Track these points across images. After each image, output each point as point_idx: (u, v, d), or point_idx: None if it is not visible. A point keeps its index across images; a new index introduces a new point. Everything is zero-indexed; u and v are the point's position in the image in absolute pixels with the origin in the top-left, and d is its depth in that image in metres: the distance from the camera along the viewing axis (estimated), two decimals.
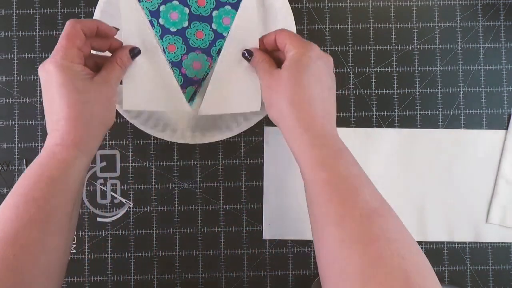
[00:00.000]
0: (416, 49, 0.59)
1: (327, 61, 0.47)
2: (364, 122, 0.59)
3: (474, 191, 0.58)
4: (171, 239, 0.58)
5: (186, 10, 0.56)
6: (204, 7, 0.56)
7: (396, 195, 0.58)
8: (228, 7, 0.56)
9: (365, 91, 0.59)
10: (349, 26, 0.59)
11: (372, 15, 0.59)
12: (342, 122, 0.58)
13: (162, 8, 0.56)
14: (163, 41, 0.56)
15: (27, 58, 0.58)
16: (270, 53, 0.51)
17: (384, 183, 0.58)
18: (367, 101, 0.59)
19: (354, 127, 0.58)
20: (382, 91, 0.59)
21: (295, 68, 0.45)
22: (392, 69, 0.59)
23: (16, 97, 0.58)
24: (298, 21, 0.59)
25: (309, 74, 0.45)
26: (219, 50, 0.57)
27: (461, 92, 0.59)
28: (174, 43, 0.56)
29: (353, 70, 0.59)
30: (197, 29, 0.56)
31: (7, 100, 0.58)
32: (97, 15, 0.55)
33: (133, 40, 0.56)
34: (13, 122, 0.58)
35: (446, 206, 0.58)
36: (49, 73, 0.43)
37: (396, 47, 0.59)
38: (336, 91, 0.58)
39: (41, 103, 0.58)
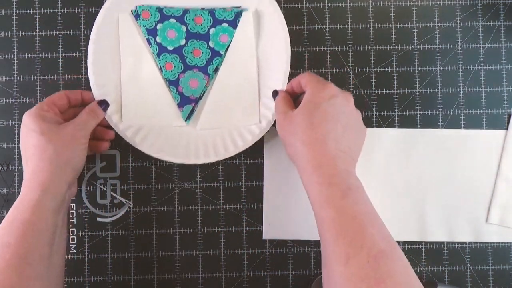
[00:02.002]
0: (416, 49, 0.59)
1: (344, 98, 0.48)
2: (364, 122, 0.58)
3: (474, 191, 0.58)
4: (171, 239, 0.58)
5: (183, 28, 0.56)
6: (201, 25, 0.56)
7: (396, 195, 0.58)
8: (225, 25, 0.56)
9: (365, 91, 0.59)
10: (349, 26, 0.59)
11: (372, 15, 0.59)
12: None
13: (159, 26, 0.56)
14: (160, 60, 0.56)
15: (27, 58, 0.58)
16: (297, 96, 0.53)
17: (384, 183, 0.58)
18: (367, 101, 0.59)
19: None
20: (382, 91, 0.59)
21: (307, 109, 0.47)
22: (392, 69, 0.59)
23: (16, 97, 0.58)
24: (298, 21, 0.59)
25: (320, 114, 0.46)
26: (216, 68, 0.57)
27: (461, 92, 0.59)
28: (171, 61, 0.56)
29: (353, 70, 0.59)
30: (194, 47, 0.56)
31: (7, 100, 0.58)
32: (94, 34, 0.55)
33: (130, 58, 0.56)
34: (13, 122, 0.58)
35: (446, 206, 0.58)
36: (22, 120, 0.49)
37: (396, 47, 0.59)
38: None
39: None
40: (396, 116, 0.59)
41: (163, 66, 0.56)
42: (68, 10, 0.59)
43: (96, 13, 0.55)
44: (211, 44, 0.57)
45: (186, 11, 0.56)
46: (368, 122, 0.59)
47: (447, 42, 0.59)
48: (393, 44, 0.59)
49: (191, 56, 0.56)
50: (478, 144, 0.58)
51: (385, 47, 0.59)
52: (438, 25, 0.59)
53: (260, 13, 0.57)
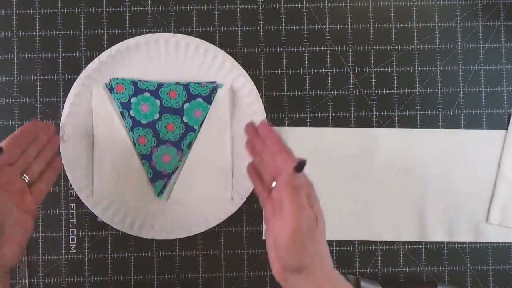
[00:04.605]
0: (416, 49, 0.59)
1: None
2: (364, 122, 0.59)
3: (474, 191, 0.58)
4: (171, 239, 0.58)
5: (158, 102, 0.56)
6: (175, 99, 0.56)
7: (396, 195, 0.58)
8: (199, 100, 0.56)
9: (365, 91, 0.59)
10: (349, 26, 0.59)
11: (372, 15, 0.59)
12: (342, 122, 0.58)
13: (133, 100, 0.56)
14: (133, 133, 0.56)
15: (27, 58, 0.58)
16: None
17: (385, 183, 0.58)
18: (367, 101, 0.59)
19: (354, 127, 0.58)
20: (382, 91, 0.59)
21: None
22: (392, 69, 0.59)
23: (16, 97, 0.58)
24: (298, 21, 0.59)
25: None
26: (190, 144, 0.56)
27: (461, 92, 0.59)
28: (145, 135, 0.55)
29: (353, 70, 0.59)
30: (168, 122, 0.56)
31: (7, 100, 0.58)
32: (66, 107, 0.55)
33: (103, 131, 0.56)
34: (13, 122, 0.58)
35: (446, 206, 0.58)
36: None
37: (396, 47, 0.59)
38: (337, 91, 0.59)
39: (41, 103, 0.58)
40: (396, 116, 0.59)
41: (136, 140, 0.56)
42: (68, 10, 0.59)
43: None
44: (185, 119, 0.56)
45: (160, 85, 0.56)
46: (368, 122, 0.59)
47: (447, 42, 0.59)
48: (393, 44, 0.59)
49: (164, 130, 0.56)
50: (478, 144, 0.58)
51: (385, 47, 0.59)
52: (438, 25, 0.59)
53: (235, 89, 0.56)
